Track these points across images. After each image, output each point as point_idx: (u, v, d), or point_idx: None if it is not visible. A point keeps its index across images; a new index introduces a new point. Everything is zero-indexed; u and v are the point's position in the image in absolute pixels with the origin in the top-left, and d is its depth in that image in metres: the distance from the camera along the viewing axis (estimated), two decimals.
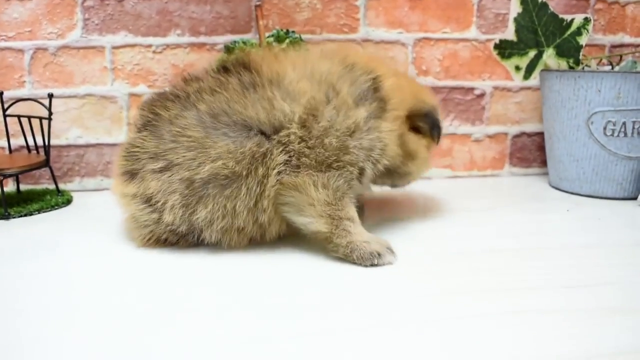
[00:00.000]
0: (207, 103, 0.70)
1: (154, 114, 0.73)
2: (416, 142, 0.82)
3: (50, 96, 1.01)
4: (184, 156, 0.69)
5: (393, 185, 0.90)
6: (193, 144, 0.69)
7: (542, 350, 0.49)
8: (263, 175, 0.69)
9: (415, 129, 0.83)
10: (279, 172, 0.69)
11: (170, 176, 0.70)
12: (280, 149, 0.69)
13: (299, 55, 0.78)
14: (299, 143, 0.69)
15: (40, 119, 1.01)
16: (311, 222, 0.70)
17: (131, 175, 0.73)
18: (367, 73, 0.76)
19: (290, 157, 0.69)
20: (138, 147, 0.73)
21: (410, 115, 0.81)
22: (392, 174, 0.82)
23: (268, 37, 1.03)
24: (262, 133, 0.70)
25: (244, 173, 0.69)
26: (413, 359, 0.48)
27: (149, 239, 0.75)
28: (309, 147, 0.69)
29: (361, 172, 0.74)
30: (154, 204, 0.71)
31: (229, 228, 0.71)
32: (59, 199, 1.01)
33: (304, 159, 0.69)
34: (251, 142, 0.69)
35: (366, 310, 0.57)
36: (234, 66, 0.74)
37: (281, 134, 0.69)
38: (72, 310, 0.58)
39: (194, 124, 0.70)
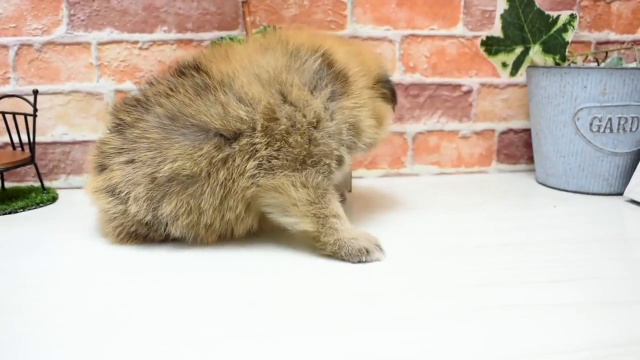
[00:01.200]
0: (164, 106, 0.71)
1: (119, 119, 0.75)
2: (382, 108, 0.81)
3: (35, 92, 1.00)
4: (145, 155, 0.70)
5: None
6: (153, 145, 0.70)
7: (529, 344, 0.49)
8: (226, 178, 0.69)
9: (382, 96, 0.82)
10: (252, 176, 0.69)
11: (134, 169, 0.71)
12: (247, 156, 0.69)
13: (245, 51, 0.75)
14: (265, 149, 0.69)
15: (25, 115, 1.00)
16: (296, 222, 0.70)
17: (100, 169, 0.75)
18: (313, 52, 0.74)
19: (260, 162, 0.69)
20: (107, 144, 0.74)
21: (376, 82, 0.80)
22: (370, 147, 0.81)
23: (255, 33, 1.03)
24: (221, 136, 0.69)
25: (204, 174, 0.69)
26: (400, 354, 0.48)
27: (120, 233, 0.75)
28: (276, 150, 0.69)
29: (339, 161, 0.73)
30: (119, 194, 0.72)
31: (195, 224, 0.72)
32: (44, 197, 1.00)
33: (274, 161, 0.69)
34: (208, 145, 0.69)
35: (352, 306, 0.57)
36: (187, 68, 0.74)
37: (242, 142, 0.69)
38: (56, 308, 0.58)
39: (153, 126, 0.71)
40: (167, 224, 0.72)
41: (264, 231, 0.78)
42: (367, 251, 0.69)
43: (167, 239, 0.76)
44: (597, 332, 0.51)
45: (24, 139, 1.03)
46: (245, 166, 0.69)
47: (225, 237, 0.75)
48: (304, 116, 0.70)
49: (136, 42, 1.10)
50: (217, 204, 0.70)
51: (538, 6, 1.06)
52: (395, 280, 0.64)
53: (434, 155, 1.24)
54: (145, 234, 0.75)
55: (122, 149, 0.72)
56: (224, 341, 0.50)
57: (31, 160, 1.00)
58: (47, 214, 0.94)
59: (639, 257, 0.73)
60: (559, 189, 1.09)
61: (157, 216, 0.72)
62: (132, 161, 0.71)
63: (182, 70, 0.74)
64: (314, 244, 0.71)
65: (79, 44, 1.09)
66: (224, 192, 0.70)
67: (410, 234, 0.82)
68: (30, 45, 1.07)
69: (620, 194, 1.04)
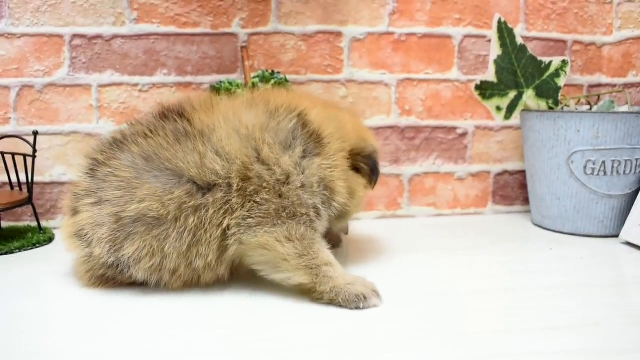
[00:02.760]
0: (140, 146, 0.72)
1: (93, 158, 0.75)
2: (355, 181, 0.81)
3: (35, 134, 1.01)
4: (112, 194, 0.71)
5: (330, 230, 0.85)
6: (122, 184, 0.71)
7: None
8: (196, 226, 0.69)
9: (355, 168, 0.81)
10: (233, 234, 0.70)
11: (100, 209, 0.71)
12: (222, 212, 0.70)
13: (230, 104, 0.77)
14: (240, 210, 0.70)
15: (25, 156, 1.01)
16: (289, 277, 0.70)
17: (73, 213, 0.75)
18: (290, 112, 0.75)
19: (238, 222, 0.70)
20: (79, 187, 0.75)
21: (352, 153, 0.80)
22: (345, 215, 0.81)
23: (254, 77, 1.04)
24: (194, 183, 0.70)
25: (171, 217, 0.69)
26: None
27: (91, 277, 0.75)
28: (248, 210, 0.70)
29: (316, 210, 0.73)
30: (85, 237, 0.72)
31: (159, 268, 0.71)
32: (40, 237, 1.00)
33: (250, 220, 0.70)
34: (180, 190, 0.69)
35: (346, 354, 0.57)
36: (170, 112, 0.75)
37: (217, 195, 0.70)
38: (49, 354, 0.57)
39: (125, 165, 0.71)
40: (129, 267, 0.71)
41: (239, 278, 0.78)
42: (365, 297, 0.69)
43: (142, 283, 0.75)
44: None
45: (22, 178, 1.04)
46: (222, 221, 0.70)
47: (192, 284, 0.74)
48: (273, 174, 0.71)
49: (136, 85, 1.12)
50: (183, 250, 0.70)
51: (530, 52, 1.08)
52: (389, 327, 0.64)
53: (430, 196, 1.24)
54: (113, 276, 0.74)
55: (91, 190, 0.73)
56: None
57: (29, 200, 1.00)
58: (43, 255, 0.93)
59: (637, 302, 0.73)
60: (554, 231, 1.09)
61: (120, 258, 0.71)
62: (98, 202, 0.72)
63: (165, 114, 0.75)
64: (311, 295, 0.71)
65: (79, 85, 1.10)
66: (192, 239, 0.70)
67: (405, 278, 0.82)
68: (31, 87, 1.09)
69: (616, 236, 1.04)
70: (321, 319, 0.66)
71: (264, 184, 0.70)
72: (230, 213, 0.70)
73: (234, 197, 0.70)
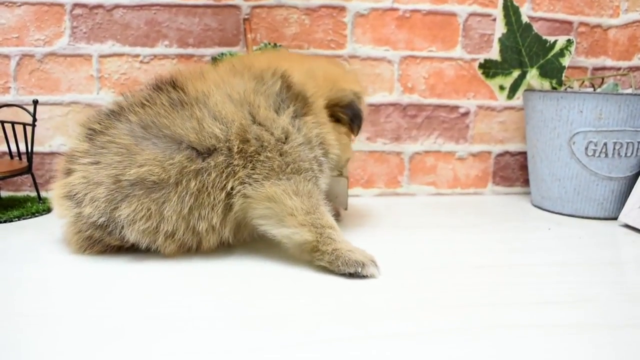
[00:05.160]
0: (138, 115, 0.73)
1: (90, 128, 0.76)
2: (338, 130, 0.84)
3: (35, 102, 1.00)
4: (112, 159, 0.71)
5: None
6: (121, 150, 0.72)
7: None
8: (199, 190, 0.71)
9: (336, 119, 0.84)
10: (238, 192, 0.71)
11: (97, 169, 0.72)
12: (225, 175, 0.71)
13: (217, 73, 0.79)
14: (243, 170, 0.72)
15: (24, 125, 1.01)
16: (295, 232, 0.71)
17: (66, 173, 0.75)
18: (273, 75, 0.78)
19: (242, 181, 0.71)
20: (75, 150, 0.75)
21: (329, 105, 0.81)
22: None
23: (255, 50, 1.04)
24: (193, 149, 0.71)
25: (172, 182, 0.70)
26: None
27: (79, 239, 0.75)
28: (252, 169, 0.72)
29: (319, 164, 0.76)
30: (75, 196, 0.73)
31: (154, 231, 0.72)
32: (39, 207, 1.00)
33: (255, 176, 0.71)
34: (181, 155, 0.71)
35: (343, 322, 0.57)
36: (164, 84, 0.77)
37: (218, 159, 0.71)
38: (47, 317, 0.57)
39: (124, 133, 0.72)
40: (122, 227, 0.72)
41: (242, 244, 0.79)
42: (363, 264, 0.69)
43: (133, 249, 0.76)
44: (587, 354, 0.51)
45: (22, 148, 1.03)
46: (225, 183, 0.71)
47: (189, 251, 0.75)
48: (272, 134, 0.73)
49: (137, 56, 1.11)
50: (185, 213, 0.71)
51: (536, 31, 1.07)
52: (387, 297, 0.64)
53: (430, 175, 1.24)
54: (101, 238, 0.74)
55: (89, 152, 0.73)
56: (216, 355, 0.50)
57: (28, 169, 1.00)
58: (42, 224, 0.93)
59: (633, 280, 0.73)
60: (554, 212, 1.09)
61: (114, 218, 0.71)
62: (97, 163, 0.72)
63: (158, 85, 0.77)
64: (312, 254, 0.71)
65: (80, 55, 1.09)
66: (195, 202, 0.71)
67: (404, 252, 0.82)
68: (31, 56, 1.08)
69: (615, 218, 1.04)
70: (320, 289, 0.66)
71: (265, 144, 0.72)
72: (233, 175, 0.71)
73: (236, 159, 0.72)
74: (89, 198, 0.72)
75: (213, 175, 0.71)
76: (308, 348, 0.51)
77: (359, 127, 0.87)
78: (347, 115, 0.84)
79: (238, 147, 0.72)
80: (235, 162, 0.71)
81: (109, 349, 0.50)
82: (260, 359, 0.49)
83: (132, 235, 0.72)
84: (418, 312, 0.60)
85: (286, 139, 0.74)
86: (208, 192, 0.71)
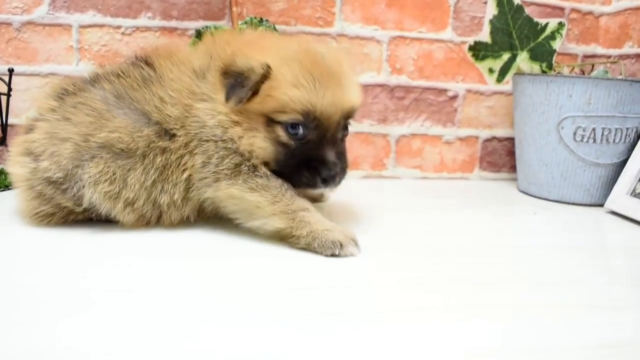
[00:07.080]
0: (113, 84, 0.74)
1: (62, 88, 0.75)
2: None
3: (11, 71, 0.97)
4: (82, 119, 0.71)
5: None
6: (93, 112, 0.72)
7: (508, 344, 0.48)
8: (164, 166, 0.71)
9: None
10: (196, 187, 0.72)
11: (66, 125, 0.71)
12: (182, 162, 0.71)
13: (188, 52, 0.78)
14: (191, 165, 0.72)
15: None
16: (265, 222, 0.69)
17: (27, 130, 0.74)
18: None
19: (195, 179, 0.72)
20: (41, 107, 0.75)
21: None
22: None
23: (241, 24, 1.01)
24: (161, 126, 0.71)
25: (140, 153, 0.71)
26: (366, 349, 0.46)
27: (29, 195, 0.73)
28: (202, 168, 0.71)
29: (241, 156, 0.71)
30: (33, 152, 0.72)
31: (115, 196, 0.71)
32: None
33: (206, 180, 0.71)
34: (149, 129, 0.71)
35: (322, 299, 0.55)
36: (139, 60, 0.77)
37: (176, 144, 0.71)
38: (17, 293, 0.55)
39: (97, 98, 0.73)
40: (83, 186, 0.70)
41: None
42: (341, 244, 0.67)
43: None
44: (571, 333, 0.50)
45: None
46: (184, 169, 0.72)
47: (148, 224, 0.75)
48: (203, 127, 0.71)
49: (119, 27, 1.07)
50: (148, 184, 0.71)
51: (527, 13, 1.05)
52: (365, 275, 0.62)
53: (416, 159, 1.22)
54: (51, 196, 0.72)
55: (57, 110, 0.73)
56: (193, 329, 0.48)
57: (2, 141, 0.97)
58: (16, 197, 0.90)
59: (617, 264, 0.72)
60: (540, 198, 1.08)
61: (75, 175, 0.70)
62: (66, 119, 0.72)
63: (134, 62, 0.77)
64: (287, 240, 0.69)
65: (59, 25, 1.06)
66: (159, 176, 0.72)
67: (388, 232, 0.80)
68: (9, 24, 1.04)
69: (601, 205, 1.03)
70: (298, 264, 0.64)
71: (203, 137, 0.71)
72: (185, 165, 0.72)
73: (187, 152, 0.71)
74: (49, 153, 0.70)
75: (174, 156, 0.71)
76: (294, 322, 0.49)
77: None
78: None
79: (183, 140, 0.71)
80: (186, 157, 0.71)
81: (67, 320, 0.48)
82: (233, 335, 0.47)
83: (93, 196, 0.71)
84: (396, 290, 0.58)
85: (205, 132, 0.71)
86: (171, 170, 0.72)
